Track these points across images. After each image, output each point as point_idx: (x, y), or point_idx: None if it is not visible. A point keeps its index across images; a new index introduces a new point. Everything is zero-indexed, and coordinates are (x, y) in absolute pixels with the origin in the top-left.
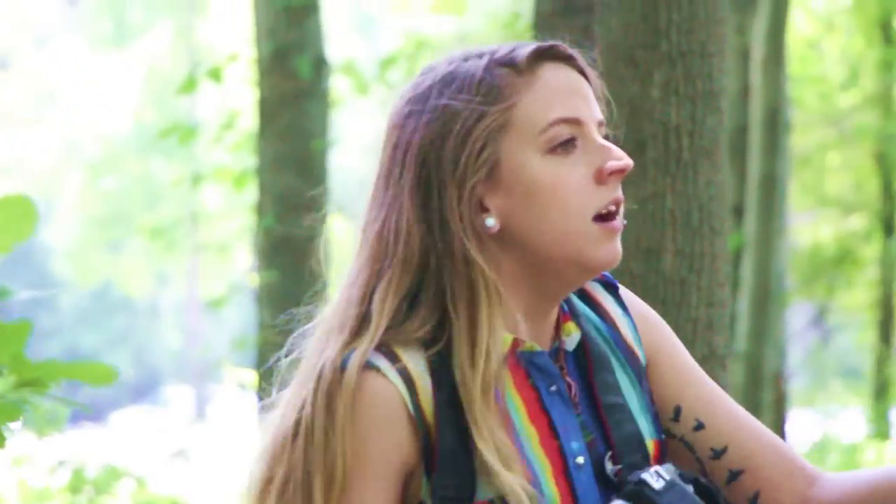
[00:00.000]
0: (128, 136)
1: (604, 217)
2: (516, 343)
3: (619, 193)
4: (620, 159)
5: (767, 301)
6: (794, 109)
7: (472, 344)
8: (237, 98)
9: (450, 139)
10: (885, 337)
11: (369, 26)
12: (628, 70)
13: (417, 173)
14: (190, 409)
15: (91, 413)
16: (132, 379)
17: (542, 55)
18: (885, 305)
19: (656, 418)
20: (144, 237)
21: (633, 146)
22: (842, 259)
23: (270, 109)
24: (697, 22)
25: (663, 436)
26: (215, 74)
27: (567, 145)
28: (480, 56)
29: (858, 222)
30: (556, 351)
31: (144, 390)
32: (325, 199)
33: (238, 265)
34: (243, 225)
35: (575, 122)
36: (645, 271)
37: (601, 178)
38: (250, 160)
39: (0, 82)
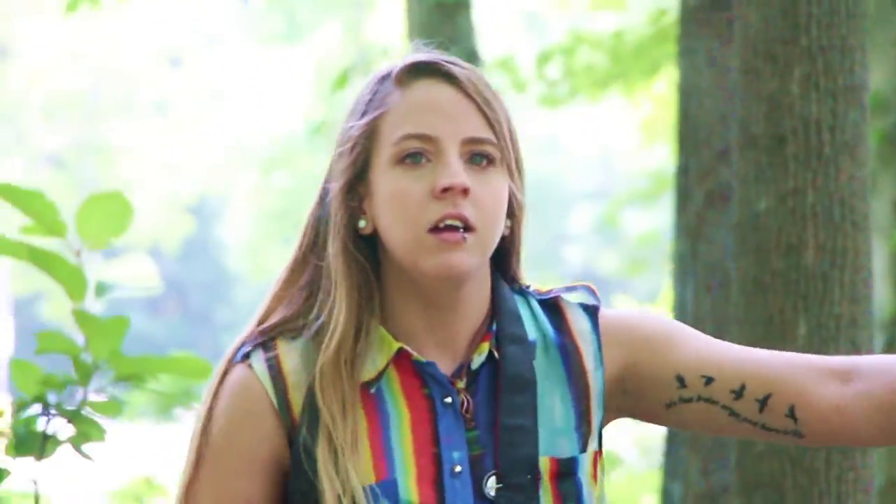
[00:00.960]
0: (299, 131)
1: (439, 230)
2: (406, 352)
3: (458, 210)
4: (451, 178)
5: None
6: None
7: (330, 336)
8: None
9: (337, 145)
10: None
11: (537, 23)
12: (767, 65)
13: (324, 181)
14: None
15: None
16: None
17: (419, 70)
18: None
19: (584, 438)
20: None
21: (773, 141)
22: None
23: None
24: (838, 16)
25: (580, 453)
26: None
27: (415, 158)
28: (383, 68)
29: None
30: (461, 367)
31: None
32: None
33: None
34: None
35: (425, 138)
36: (786, 267)
37: (434, 193)
38: None
39: (173, 82)
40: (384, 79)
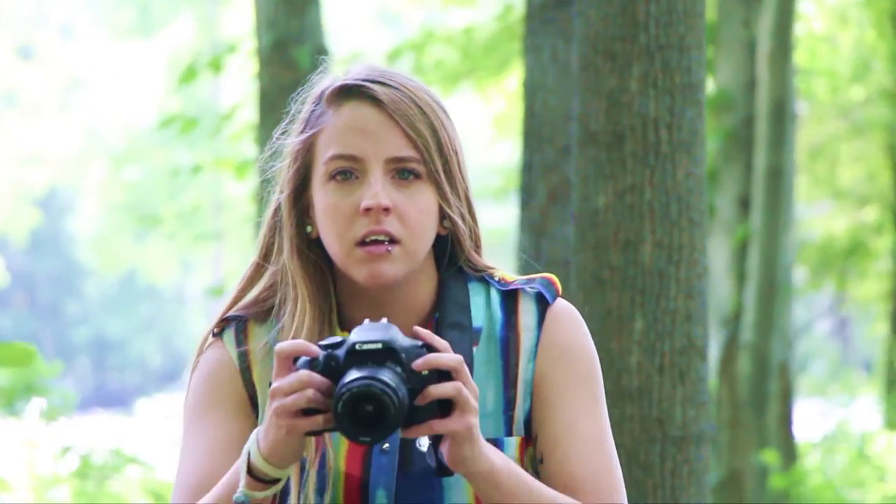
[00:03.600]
0: (151, 125)
1: (365, 244)
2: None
3: (381, 226)
4: (371, 199)
5: (774, 292)
6: (805, 102)
7: (295, 330)
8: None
9: (281, 157)
10: None
11: (390, 19)
12: (606, 63)
13: (277, 191)
14: None
15: None
16: (158, 366)
17: (347, 92)
18: None
19: (510, 422)
20: (167, 225)
21: (612, 138)
22: (854, 250)
23: (270, 100)
24: (676, 15)
25: (506, 436)
26: (215, 65)
27: (345, 175)
28: (321, 85)
29: (871, 214)
30: None
31: (171, 377)
32: None
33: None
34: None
35: (351, 158)
36: (623, 263)
37: (359, 211)
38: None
39: (24, 73)
40: (319, 97)
